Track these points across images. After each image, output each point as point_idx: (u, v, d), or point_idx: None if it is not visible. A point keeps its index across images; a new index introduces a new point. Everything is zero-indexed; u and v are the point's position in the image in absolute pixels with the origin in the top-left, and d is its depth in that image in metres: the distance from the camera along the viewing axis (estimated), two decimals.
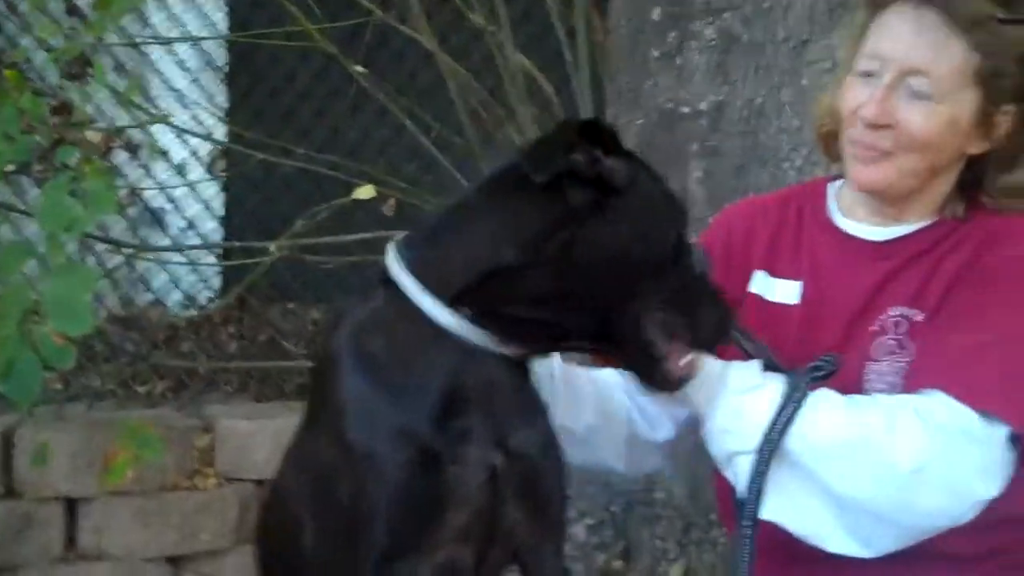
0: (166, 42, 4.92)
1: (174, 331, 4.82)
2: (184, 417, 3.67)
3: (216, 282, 5.07)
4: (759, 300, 2.07)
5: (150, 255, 4.74)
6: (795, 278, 2.05)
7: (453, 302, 1.59)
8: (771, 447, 1.81)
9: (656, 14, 3.16)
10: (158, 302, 5.02)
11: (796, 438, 1.80)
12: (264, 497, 1.90)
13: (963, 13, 1.86)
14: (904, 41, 1.89)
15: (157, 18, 5.08)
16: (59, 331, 2.53)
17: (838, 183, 2.11)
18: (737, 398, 1.86)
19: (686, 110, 3.06)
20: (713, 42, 3.03)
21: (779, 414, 1.81)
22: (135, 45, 4.89)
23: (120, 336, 4.71)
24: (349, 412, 1.60)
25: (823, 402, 1.83)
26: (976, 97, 1.89)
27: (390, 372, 1.60)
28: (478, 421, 1.60)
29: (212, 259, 5.01)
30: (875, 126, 1.90)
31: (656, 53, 3.16)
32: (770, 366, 1.90)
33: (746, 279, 2.09)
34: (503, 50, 3.80)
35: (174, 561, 3.42)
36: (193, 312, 4.97)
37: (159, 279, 5.02)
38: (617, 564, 3.12)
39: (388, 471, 1.57)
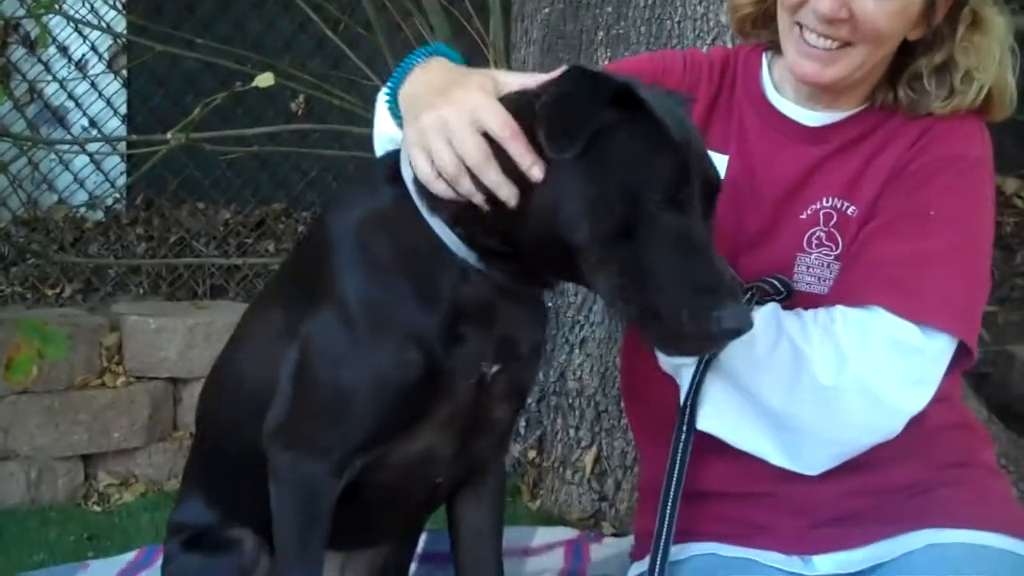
0: None
1: (81, 232, 4.74)
2: (90, 315, 3.61)
3: (122, 182, 4.97)
4: None
5: (53, 152, 4.62)
6: (723, 151, 2.00)
7: (449, 221, 1.61)
8: (707, 360, 1.83)
9: None
10: (63, 203, 4.92)
11: (732, 352, 1.78)
12: (215, 370, 1.94)
13: None
14: None
15: None
16: None
17: (770, 54, 2.06)
18: None
19: None
20: None
21: None
22: None
23: (26, 238, 4.62)
24: (355, 302, 1.64)
25: (761, 318, 1.81)
26: None
27: (398, 274, 1.63)
28: (478, 332, 1.65)
29: (117, 159, 4.89)
30: (831, 20, 1.84)
31: None
32: None
33: None
34: None
35: (86, 459, 3.39)
36: (100, 215, 4.87)
37: (64, 180, 4.92)
38: (531, 453, 3.17)
39: (387, 365, 1.61)
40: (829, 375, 1.77)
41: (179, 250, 4.66)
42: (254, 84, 2.88)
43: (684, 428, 1.87)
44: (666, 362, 1.91)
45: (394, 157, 1.70)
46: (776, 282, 1.89)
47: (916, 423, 1.84)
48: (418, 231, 1.62)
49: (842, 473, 1.86)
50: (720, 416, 1.86)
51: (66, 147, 4.58)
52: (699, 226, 1.53)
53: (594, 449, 2.96)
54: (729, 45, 2.84)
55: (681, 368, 1.88)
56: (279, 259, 4.53)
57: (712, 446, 1.89)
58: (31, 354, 2.94)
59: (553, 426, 3.07)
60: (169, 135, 3.20)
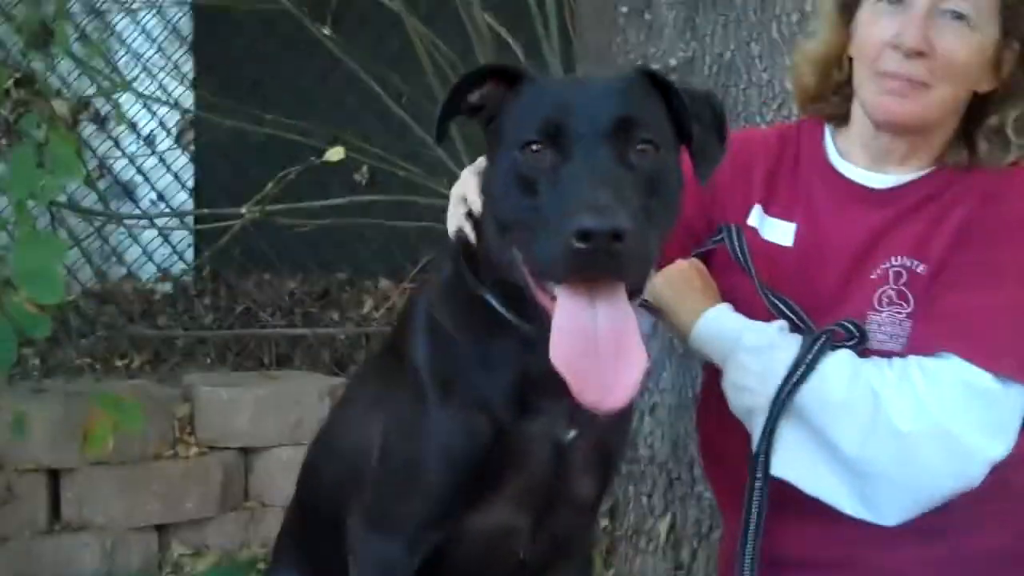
0: (129, 9, 4.88)
1: (149, 304, 4.82)
2: (162, 387, 3.66)
3: (190, 254, 5.06)
4: (754, 235, 2.06)
5: (121, 225, 4.71)
6: (790, 219, 2.03)
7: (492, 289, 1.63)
8: (781, 405, 1.83)
9: None
10: (132, 275, 5.01)
11: (806, 397, 1.81)
12: (316, 439, 1.98)
13: None
14: None
15: None
16: (32, 300, 2.53)
17: (831, 126, 2.09)
18: (750, 356, 1.88)
19: (656, 66, 3.04)
20: None
21: (791, 372, 1.83)
22: (99, 13, 4.85)
23: (96, 310, 4.70)
24: (425, 374, 1.67)
25: (835, 363, 1.83)
26: (996, 29, 1.89)
27: (464, 345, 1.65)
28: (550, 399, 1.63)
29: (185, 232, 4.99)
30: (913, 54, 1.86)
31: (624, 9, 3.15)
32: (794, 325, 1.91)
33: (747, 208, 2.07)
34: (470, 11, 3.77)
35: (159, 530, 3.42)
36: (168, 286, 4.96)
37: (132, 252, 5.01)
38: (604, 522, 3.15)
39: (456, 437, 1.63)
40: (907, 421, 1.77)
41: (246, 320, 4.73)
42: (325, 158, 2.93)
43: (758, 475, 1.87)
44: (738, 410, 1.91)
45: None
46: (850, 326, 1.90)
47: (1001, 487, 1.82)
48: (478, 302, 1.64)
49: (922, 539, 1.85)
50: (793, 461, 1.86)
51: (137, 221, 4.67)
52: (574, 163, 1.48)
53: (668, 517, 2.94)
54: (795, 111, 2.85)
55: (752, 414, 1.88)
56: (343, 329, 4.58)
57: (787, 506, 1.88)
58: (107, 426, 2.99)
59: (625, 494, 3.05)
60: (243, 209, 3.26)
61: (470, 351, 1.64)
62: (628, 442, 1.89)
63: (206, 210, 4.27)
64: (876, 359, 1.86)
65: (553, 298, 1.47)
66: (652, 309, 2.04)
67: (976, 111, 1.97)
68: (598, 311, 1.46)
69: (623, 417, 1.77)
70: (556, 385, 1.59)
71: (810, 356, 1.82)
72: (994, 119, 1.95)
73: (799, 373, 1.82)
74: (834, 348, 1.85)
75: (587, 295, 1.46)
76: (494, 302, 1.63)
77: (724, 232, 2.05)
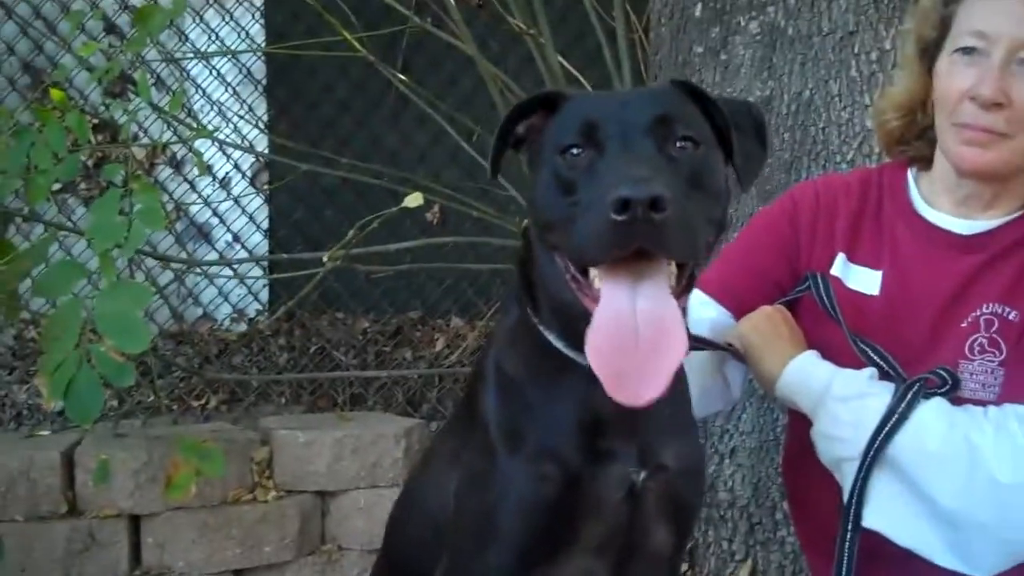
0: (204, 56, 4.95)
1: (225, 345, 4.86)
2: (241, 430, 3.68)
3: (264, 295, 5.11)
4: (839, 284, 2.04)
5: (200, 269, 4.77)
6: (875, 267, 2.02)
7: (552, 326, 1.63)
8: (873, 455, 1.80)
9: (698, 10, 3.15)
10: (208, 316, 5.06)
11: (900, 447, 1.79)
12: (402, 494, 1.97)
13: None
14: (1014, 16, 1.86)
15: (194, 33, 5.12)
16: (117, 348, 2.55)
17: (915, 170, 2.08)
18: (841, 405, 1.85)
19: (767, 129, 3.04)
20: (758, 36, 3.01)
21: (884, 421, 1.80)
22: (174, 60, 4.92)
23: (173, 351, 4.75)
24: (493, 423, 1.66)
25: (930, 412, 1.80)
26: None
27: (529, 389, 1.65)
28: (619, 440, 1.63)
29: (259, 272, 5.03)
30: (990, 105, 1.85)
31: (699, 49, 3.15)
32: (884, 373, 1.88)
33: (830, 255, 2.06)
34: (544, 52, 3.78)
35: (237, 574, 3.43)
36: (243, 326, 5.00)
37: (208, 294, 5.07)
38: (683, 566, 3.11)
39: (525, 488, 1.61)
40: (1006, 472, 1.74)
41: (319, 360, 4.75)
42: (404, 204, 2.95)
43: (849, 527, 1.84)
44: (827, 459, 1.88)
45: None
46: (943, 373, 1.87)
47: None
48: (542, 344, 1.64)
49: None
50: (886, 512, 1.83)
51: (216, 269, 4.72)
52: (612, 154, 1.50)
53: (749, 562, 2.90)
54: (875, 149, 2.83)
55: (843, 463, 1.85)
56: (417, 370, 4.59)
57: (877, 557, 1.85)
58: (190, 472, 3.01)
59: (705, 538, 3.02)
60: (325, 257, 3.28)
61: (535, 396, 1.64)
62: (703, 486, 1.85)
63: (286, 255, 4.30)
64: (970, 408, 1.83)
65: (597, 299, 1.47)
66: (738, 355, 2.02)
67: None
68: (638, 298, 1.45)
69: (695, 457, 1.76)
70: (624, 425, 1.62)
71: (903, 405, 1.80)
72: None
73: (892, 422, 1.79)
74: (927, 396, 1.82)
75: (629, 284, 1.46)
76: (555, 340, 1.62)
77: (810, 280, 2.03)
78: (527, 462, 1.61)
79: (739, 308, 2.10)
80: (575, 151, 1.53)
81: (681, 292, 1.51)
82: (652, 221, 1.37)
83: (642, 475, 1.65)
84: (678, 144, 1.52)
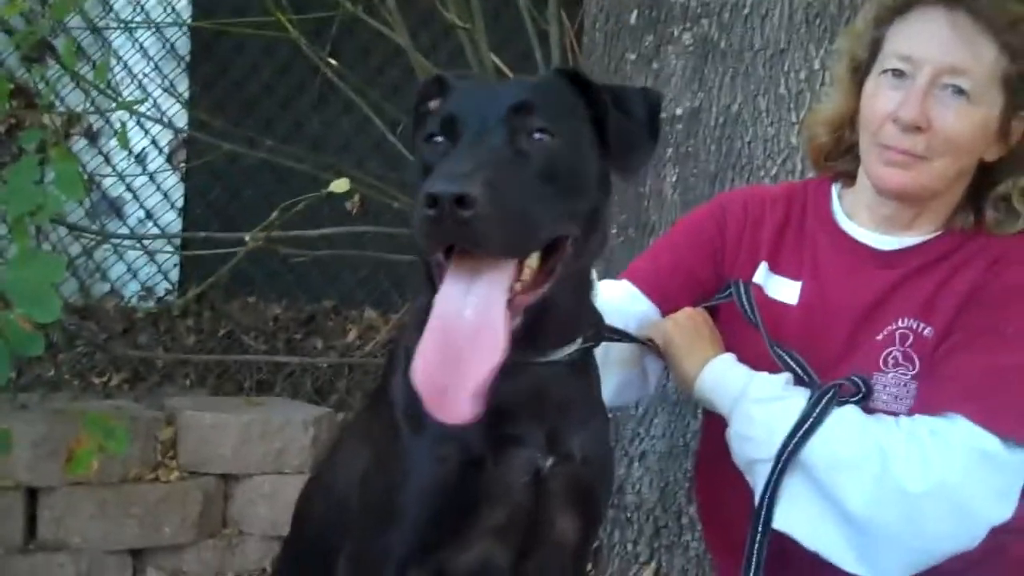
0: (128, 26, 4.87)
1: (131, 323, 4.77)
2: (146, 408, 3.62)
3: (175, 275, 5.02)
4: (759, 292, 2.07)
5: (110, 244, 4.68)
6: (795, 278, 2.06)
7: None
8: (786, 458, 1.83)
9: (633, 18, 3.17)
10: (115, 293, 4.97)
11: (813, 451, 1.82)
12: (312, 474, 1.97)
13: (993, 15, 1.89)
14: (940, 42, 1.90)
15: (119, 3, 5.03)
16: (27, 318, 2.50)
17: (839, 185, 2.12)
18: (757, 407, 1.89)
19: (662, 115, 3.06)
20: (690, 47, 3.04)
21: (798, 425, 1.83)
22: (97, 30, 4.83)
23: (76, 326, 4.65)
24: (398, 403, 1.66)
25: (843, 418, 1.84)
26: (1000, 101, 1.91)
27: None
28: (525, 426, 1.64)
29: (172, 250, 4.95)
30: (911, 128, 1.90)
31: (632, 56, 3.17)
32: (799, 379, 1.92)
33: (754, 263, 2.10)
34: (478, 48, 3.78)
35: (136, 554, 3.37)
36: (151, 304, 4.92)
37: (116, 270, 4.97)
38: (587, 567, 3.13)
39: (426, 470, 1.62)
40: (915, 481, 1.78)
41: (228, 344, 4.69)
42: (330, 189, 2.93)
43: (760, 528, 1.87)
44: (740, 460, 1.91)
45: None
46: (858, 380, 1.91)
47: (998, 553, 1.84)
48: None
49: None
50: (797, 515, 1.86)
51: (127, 241, 4.64)
52: (458, 147, 1.51)
53: (653, 564, 2.93)
54: (799, 166, 2.87)
55: (755, 465, 1.88)
56: (327, 358, 4.56)
57: (784, 560, 1.88)
58: (93, 448, 2.95)
59: (610, 540, 3.04)
60: (247, 237, 3.24)
61: None
62: (610, 476, 1.84)
63: (202, 234, 4.23)
64: (882, 416, 1.87)
65: None
66: (657, 351, 2.05)
67: (985, 177, 2.00)
68: (467, 306, 1.46)
69: (602, 447, 1.76)
70: (531, 410, 1.64)
71: (817, 410, 1.84)
72: (1002, 187, 1.99)
73: (806, 426, 1.83)
74: (841, 403, 1.86)
75: (465, 283, 1.47)
76: None
77: (732, 287, 2.07)
78: (429, 444, 1.61)
79: (666, 304, 2.13)
80: (437, 139, 1.55)
81: (539, 284, 1.52)
82: (460, 218, 1.37)
83: (549, 461, 1.65)
84: (535, 135, 1.52)
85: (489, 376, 1.43)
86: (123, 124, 3.44)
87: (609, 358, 1.98)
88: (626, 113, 1.64)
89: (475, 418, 1.43)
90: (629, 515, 2.97)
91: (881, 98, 1.95)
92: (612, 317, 1.92)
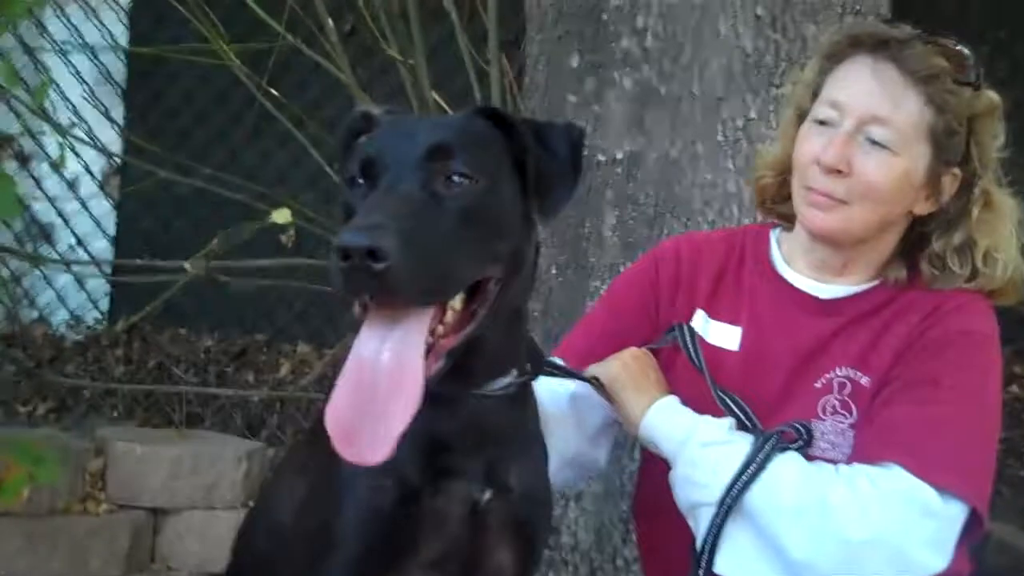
0: (63, 50, 4.83)
1: (59, 351, 4.71)
2: (75, 438, 3.57)
3: (104, 304, 4.97)
4: (699, 339, 2.10)
5: (40, 271, 4.62)
6: (734, 323, 2.09)
7: None
8: (730, 502, 1.85)
9: (574, 60, 3.20)
10: (43, 320, 4.90)
11: (756, 496, 1.85)
12: (252, 505, 1.95)
13: (917, 68, 1.92)
14: (864, 91, 1.94)
15: (55, 26, 4.98)
16: None
17: (778, 231, 2.16)
18: (703, 450, 1.91)
19: (602, 158, 3.10)
20: (631, 92, 3.08)
21: (742, 471, 1.86)
22: (31, 52, 4.79)
23: (2, 353, 4.58)
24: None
25: (785, 465, 1.87)
26: (927, 153, 1.94)
27: None
28: (463, 458, 1.64)
29: (101, 279, 4.90)
30: (832, 171, 1.93)
31: (573, 99, 3.20)
32: (741, 424, 1.95)
33: (690, 311, 2.12)
34: (419, 84, 3.80)
35: None
36: (80, 334, 4.86)
37: (45, 297, 4.91)
38: None
39: (362, 501, 1.61)
40: (855, 529, 1.80)
41: (157, 375, 4.65)
42: (272, 219, 2.93)
43: (700, 572, 1.89)
44: (683, 503, 1.94)
45: None
46: (800, 427, 1.93)
47: None
48: None
49: None
50: (738, 560, 1.88)
51: (55, 266, 4.58)
52: (375, 193, 1.50)
53: None
54: (735, 213, 2.93)
55: (698, 508, 1.90)
56: (259, 392, 4.53)
57: None
58: (22, 477, 2.90)
59: None
60: (187, 264, 3.22)
61: None
62: (548, 511, 1.83)
63: (137, 261, 4.20)
64: (823, 464, 1.90)
65: None
66: (601, 390, 2.07)
67: (919, 232, 2.04)
68: (384, 350, 1.46)
69: (540, 481, 1.76)
70: (468, 443, 1.64)
71: (761, 455, 1.86)
72: (936, 245, 2.01)
73: (749, 472, 1.85)
74: (783, 449, 1.89)
75: (383, 328, 1.47)
76: None
77: (676, 330, 2.09)
78: (365, 474, 1.58)
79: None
80: (358, 182, 1.54)
81: (463, 326, 1.52)
82: (372, 271, 1.37)
83: (486, 494, 1.66)
84: (453, 179, 1.52)
85: (404, 422, 1.44)
86: (62, 144, 3.40)
87: (555, 437, 1.99)
88: (548, 150, 1.64)
89: (386, 459, 1.44)
90: (565, 556, 2.98)
91: (808, 142, 1.99)
92: (547, 397, 1.94)
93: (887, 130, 1.93)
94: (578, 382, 2.10)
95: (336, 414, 1.45)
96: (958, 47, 1.97)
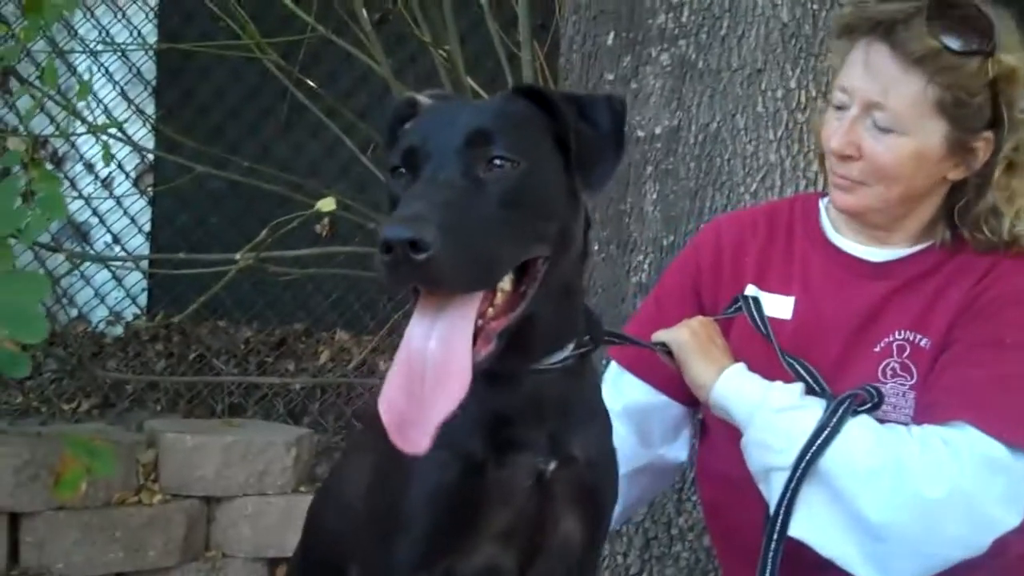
0: (94, 51, 4.86)
1: (100, 347, 4.75)
2: (126, 431, 3.61)
3: (143, 299, 5.01)
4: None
5: (78, 271, 4.66)
6: (786, 293, 2.10)
7: None
8: (805, 466, 1.87)
9: (610, 39, 3.22)
10: (83, 318, 4.94)
11: (831, 460, 1.86)
12: (321, 487, 1.96)
13: (913, 49, 1.91)
14: (860, 77, 1.95)
15: (84, 28, 5.02)
16: (13, 338, 2.50)
17: (827, 200, 2.17)
18: (776, 415, 1.92)
19: (641, 134, 3.12)
20: (668, 68, 3.09)
21: (816, 434, 1.87)
22: (62, 54, 4.82)
23: (44, 352, 4.62)
24: None
25: (859, 427, 1.88)
26: (942, 127, 1.93)
27: None
28: (526, 430, 1.65)
29: (139, 275, 4.94)
30: (843, 157, 1.97)
31: (611, 76, 3.22)
32: (810, 389, 1.96)
33: (739, 289, 2.14)
34: (455, 68, 3.82)
35: None
36: (120, 329, 4.90)
37: (83, 295, 4.95)
38: None
39: (428, 478, 1.62)
40: (933, 489, 1.81)
41: (198, 367, 4.68)
42: (316, 208, 2.95)
43: (775, 536, 1.90)
44: (756, 468, 1.95)
45: None
46: (871, 389, 1.94)
47: (1000, 553, 1.87)
48: None
49: None
50: (813, 523, 1.89)
51: (90, 263, 4.62)
52: (419, 182, 1.51)
53: None
54: (777, 182, 2.94)
55: (772, 473, 1.92)
56: (300, 379, 4.56)
57: (796, 565, 1.91)
58: (80, 470, 2.94)
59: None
60: (238, 256, 3.24)
61: None
62: (614, 478, 1.81)
63: (181, 255, 4.24)
64: (895, 426, 1.92)
65: None
66: (668, 357, 2.08)
67: (957, 196, 2.03)
68: (431, 339, 1.47)
69: (604, 448, 1.77)
70: (530, 414, 1.65)
71: (835, 419, 1.88)
72: (974, 208, 2.01)
73: (824, 436, 1.87)
74: (855, 413, 1.90)
75: (431, 317, 1.47)
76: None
77: (741, 301, 2.10)
78: (430, 451, 1.56)
79: (657, 376, 2.17)
80: (401, 171, 1.55)
81: (513, 307, 1.53)
82: (416, 262, 1.37)
83: (551, 464, 1.66)
84: (495, 162, 1.52)
85: (449, 409, 1.45)
86: (105, 142, 3.44)
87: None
88: (590, 123, 1.63)
89: (424, 449, 1.46)
90: (618, 528, 3.00)
91: (827, 127, 2.01)
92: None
93: (886, 114, 1.93)
94: (624, 401, 2.14)
95: (388, 403, 1.46)
96: (967, 15, 1.93)
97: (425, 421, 1.45)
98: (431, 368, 1.46)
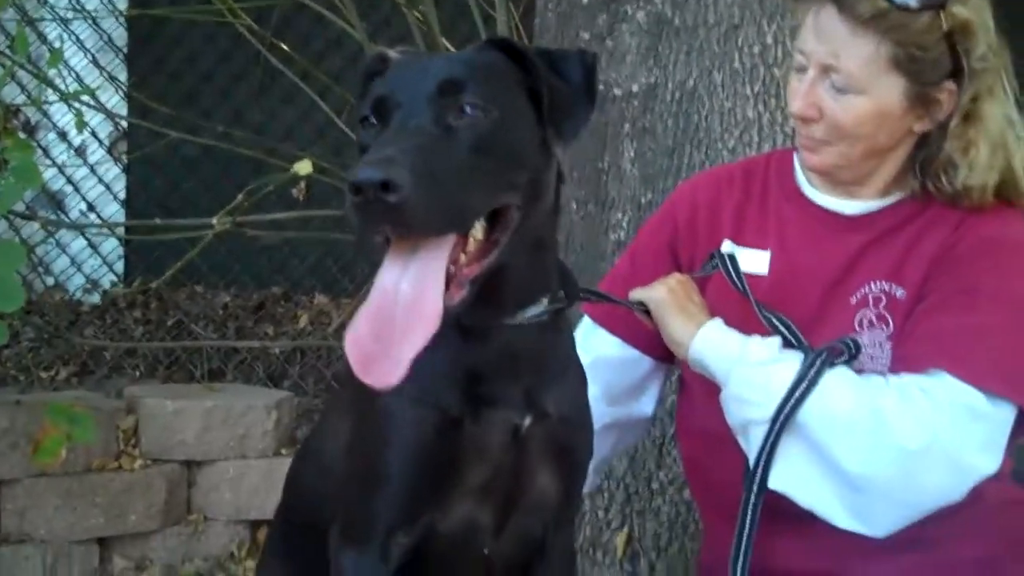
0: (63, 20, 4.81)
1: (77, 315, 4.73)
2: (105, 398, 3.60)
3: (119, 266, 4.98)
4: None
5: (54, 238, 4.63)
6: (763, 247, 2.11)
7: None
8: (784, 418, 1.88)
9: None
10: (59, 286, 4.92)
11: (809, 412, 1.87)
12: (301, 446, 1.97)
13: (861, 11, 1.91)
14: (813, 39, 1.96)
15: None
16: None
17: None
18: (754, 369, 1.93)
19: (618, 92, 3.11)
20: (644, 25, 3.09)
21: (794, 387, 1.88)
22: (32, 22, 4.76)
23: (21, 320, 4.59)
24: None
25: (837, 379, 1.89)
26: (900, 83, 1.93)
27: None
28: (501, 385, 1.66)
29: (115, 242, 4.92)
30: (804, 119, 1.98)
31: (586, 35, 3.21)
32: (787, 343, 1.97)
33: (716, 244, 2.14)
34: (430, 29, 3.80)
35: (102, 543, 3.36)
36: (96, 297, 4.88)
37: (60, 264, 4.92)
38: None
39: (404, 434, 1.64)
40: (912, 439, 1.83)
41: (177, 333, 4.67)
42: (293, 171, 2.94)
43: (755, 488, 1.92)
44: (735, 422, 1.97)
45: None
46: (848, 341, 1.96)
47: (977, 498, 1.89)
48: None
49: (905, 549, 1.91)
50: (792, 474, 1.91)
51: (66, 230, 4.59)
52: (388, 130, 1.51)
53: (625, 530, 2.98)
54: (755, 138, 2.94)
55: (751, 426, 1.93)
56: (280, 343, 4.56)
57: (775, 519, 1.93)
58: (60, 437, 2.94)
59: (581, 507, 3.09)
60: (214, 220, 3.23)
61: None
62: (589, 434, 1.82)
63: (157, 220, 4.21)
64: (873, 376, 1.93)
65: None
66: (645, 315, 2.09)
67: (923, 147, 2.03)
68: (403, 280, 1.47)
69: (578, 404, 1.78)
70: (505, 370, 1.66)
71: (812, 372, 1.89)
72: (938, 159, 2.01)
73: (802, 388, 1.88)
74: (832, 365, 1.92)
75: (402, 260, 1.47)
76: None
77: (717, 258, 2.11)
78: (407, 407, 1.62)
79: (629, 331, 2.18)
80: (371, 121, 1.55)
81: (486, 254, 1.53)
82: (387, 204, 1.37)
83: (527, 420, 1.67)
84: (466, 109, 1.52)
85: (419, 345, 1.45)
86: (78, 110, 3.41)
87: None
88: (562, 77, 1.64)
89: (391, 385, 1.45)
90: (599, 482, 3.02)
91: (789, 90, 2.03)
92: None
93: (841, 76, 1.94)
94: (595, 354, 2.13)
95: (355, 340, 1.46)
96: None
97: (392, 358, 1.45)
98: (402, 308, 1.46)
